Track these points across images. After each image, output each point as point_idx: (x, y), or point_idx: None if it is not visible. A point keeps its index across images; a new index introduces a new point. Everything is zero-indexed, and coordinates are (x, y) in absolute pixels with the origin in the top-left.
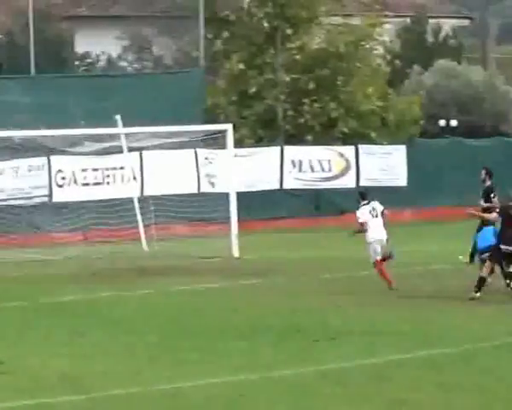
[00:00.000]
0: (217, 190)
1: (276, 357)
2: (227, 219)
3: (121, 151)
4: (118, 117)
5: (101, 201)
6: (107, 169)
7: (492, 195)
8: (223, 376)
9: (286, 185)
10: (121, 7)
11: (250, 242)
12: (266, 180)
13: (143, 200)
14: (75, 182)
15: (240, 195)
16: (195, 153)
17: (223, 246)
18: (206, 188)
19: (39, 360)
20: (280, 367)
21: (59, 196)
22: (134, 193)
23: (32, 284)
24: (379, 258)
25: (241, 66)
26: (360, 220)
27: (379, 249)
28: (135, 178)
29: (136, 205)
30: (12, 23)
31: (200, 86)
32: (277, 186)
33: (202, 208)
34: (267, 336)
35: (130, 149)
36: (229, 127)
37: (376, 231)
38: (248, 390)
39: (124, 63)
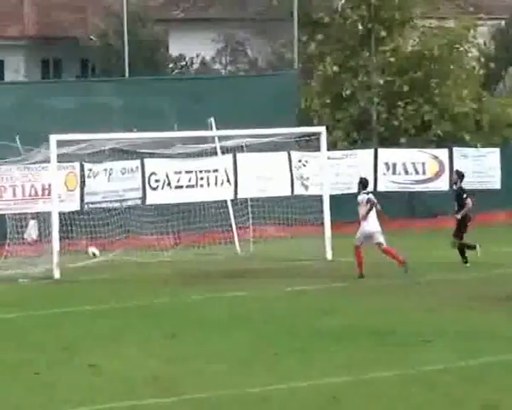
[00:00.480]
0: (310, 192)
1: (370, 359)
2: (320, 222)
3: (215, 154)
4: (211, 119)
5: (194, 203)
6: (200, 172)
7: (465, 196)
8: (315, 378)
9: (380, 188)
10: (216, 10)
11: (343, 244)
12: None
13: (237, 202)
14: (168, 185)
15: (333, 197)
16: (289, 155)
17: (316, 248)
18: (299, 190)
19: (132, 362)
20: (374, 369)
21: (152, 199)
22: (228, 195)
23: (125, 286)
24: (359, 244)
25: (335, 68)
26: (370, 201)
27: (364, 239)
28: (228, 180)
29: (230, 207)
30: (106, 26)
31: (294, 89)
32: (371, 189)
33: (295, 211)
34: (361, 338)
35: (224, 152)
36: (322, 130)
37: (372, 223)
38: (342, 392)
39: (218, 66)
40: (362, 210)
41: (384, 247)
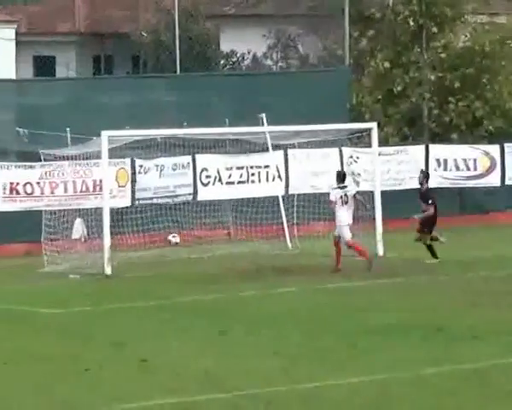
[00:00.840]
0: (361, 188)
1: (419, 355)
2: (371, 218)
3: (266, 150)
4: (262, 115)
5: (244, 199)
6: (251, 167)
7: (430, 200)
8: (364, 375)
9: (431, 184)
10: (267, 5)
11: (394, 240)
12: (411, 179)
13: (288, 198)
14: (220, 180)
15: (384, 193)
16: (340, 151)
17: (367, 245)
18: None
19: (182, 358)
20: (423, 365)
21: (203, 195)
22: (279, 191)
23: (176, 282)
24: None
25: (387, 64)
26: (331, 198)
27: (349, 232)
28: (280, 176)
29: (281, 203)
30: (157, 22)
31: (346, 85)
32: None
33: None
34: (409, 334)
35: (275, 148)
36: (374, 126)
37: (346, 216)
38: (390, 389)
39: (269, 62)
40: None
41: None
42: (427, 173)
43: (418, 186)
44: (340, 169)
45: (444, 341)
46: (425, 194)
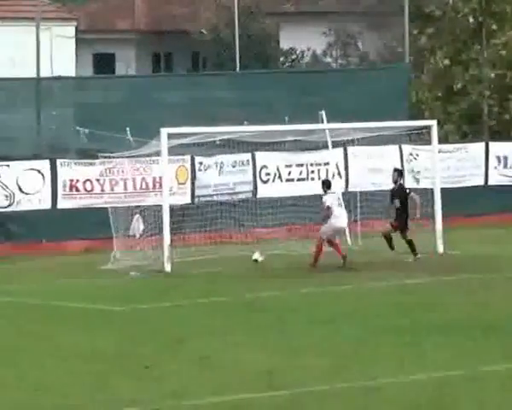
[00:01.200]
0: (421, 186)
1: (480, 353)
2: (431, 216)
3: (325, 147)
4: (322, 112)
5: (304, 196)
6: (311, 165)
7: (408, 191)
8: (424, 372)
9: (490, 181)
10: (327, 3)
11: (454, 238)
12: (471, 176)
13: (347, 195)
14: (279, 178)
15: (444, 190)
16: (400, 148)
17: (426, 242)
18: (410, 184)
19: (243, 354)
20: (484, 363)
21: (263, 192)
22: (338, 189)
23: (237, 279)
24: (325, 238)
25: (447, 62)
26: (327, 204)
27: (334, 234)
28: (339, 173)
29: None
30: (217, 19)
31: (406, 82)
32: (482, 182)
33: None
34: (470, 331)
35: (335, 145)
36: (433, 123)
37: (340, 220)
38: (452, 386)
39: (328, 59)
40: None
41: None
42: (401, 171)
43: (478, 183)
44: (325, 178)
45: (505, 338)
46: (398, 191)
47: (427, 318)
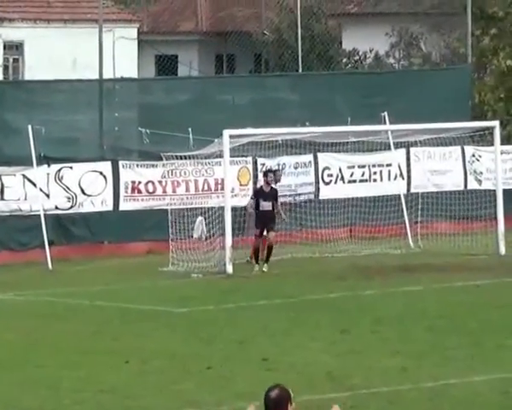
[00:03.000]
0: (483, 187)
1: None
2: (493, 217)
3: (388, 148)
4: (385, 114)
5: (366, 197)
6: (373, 166)
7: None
8: (489, 373)
9: None
10: (389, 4)
11: None
12: None
13: (409, 196)
14: (342, 179)
15: (506, 192)
16: (462, 149)
17: (489, 243)
18: (472, 185)
19: (305, 356)
20: None
21: (325, 194)
22: (401, 190)
23: (299, 280)
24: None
25: (509, 62)
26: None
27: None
28: (402, 174)
29: (403, 202)
30: (280, 20)
31: (468, 83)
32: None
33: (468, 206)
34: None
35: (397, 146)
36: (496, 124)
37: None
38: None
39: (391, 60)
40: None
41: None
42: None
43: None
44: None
45: None
46: (270, 193)
47: (491, 318)
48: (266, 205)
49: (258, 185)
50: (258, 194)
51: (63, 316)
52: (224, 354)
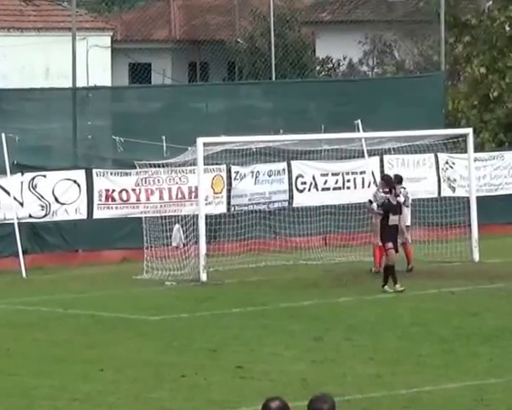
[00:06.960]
0: (457, 194)
1: None
2: (467, 224)
3: (361, 156)
4: (358, 121)
5: (340, 205)
6: (347, 173)
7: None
8: (462, 380)
9: None
10: (363, 12)
11: (490, 246)
12: (507, 184)
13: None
14: (315, 187)
15: (480, 199)
16: (436, 157)
17: (463, 250)
18: (446, 192)
19: (279, 364)
20: None
21: (299, 201)
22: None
23: (273, 288)
24: None
25: (483, 70)
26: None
27: None
28: (375, 182)
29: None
30: (253, 28)
31: (441, 90)
32: None
33: (442, 213)
34: (507, 340)
35: (371, 154)
36: (469, 131)
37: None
38: (489, 395)
39: (365, 68)
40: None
41: None
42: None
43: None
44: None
45: None
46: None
47: (464, 325)
48: (395, 219)
49: (380, 193)
50: (388, 207)
51: (37, 324)
52: (198, 362)
